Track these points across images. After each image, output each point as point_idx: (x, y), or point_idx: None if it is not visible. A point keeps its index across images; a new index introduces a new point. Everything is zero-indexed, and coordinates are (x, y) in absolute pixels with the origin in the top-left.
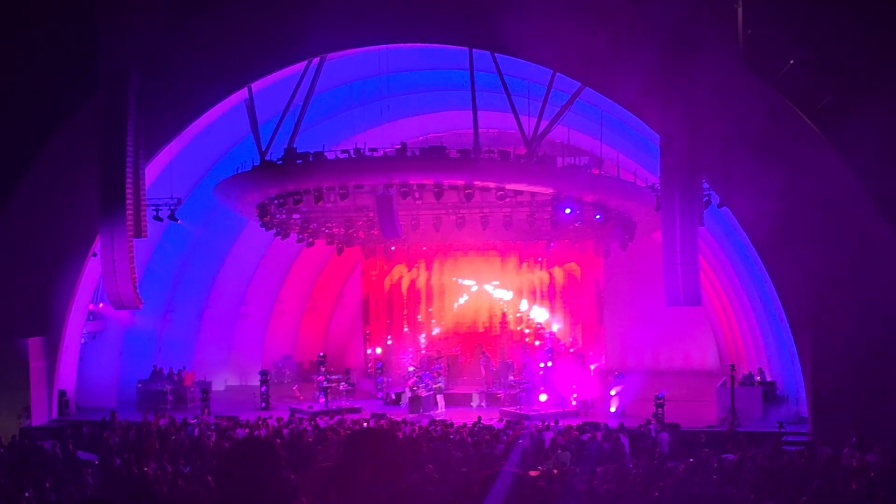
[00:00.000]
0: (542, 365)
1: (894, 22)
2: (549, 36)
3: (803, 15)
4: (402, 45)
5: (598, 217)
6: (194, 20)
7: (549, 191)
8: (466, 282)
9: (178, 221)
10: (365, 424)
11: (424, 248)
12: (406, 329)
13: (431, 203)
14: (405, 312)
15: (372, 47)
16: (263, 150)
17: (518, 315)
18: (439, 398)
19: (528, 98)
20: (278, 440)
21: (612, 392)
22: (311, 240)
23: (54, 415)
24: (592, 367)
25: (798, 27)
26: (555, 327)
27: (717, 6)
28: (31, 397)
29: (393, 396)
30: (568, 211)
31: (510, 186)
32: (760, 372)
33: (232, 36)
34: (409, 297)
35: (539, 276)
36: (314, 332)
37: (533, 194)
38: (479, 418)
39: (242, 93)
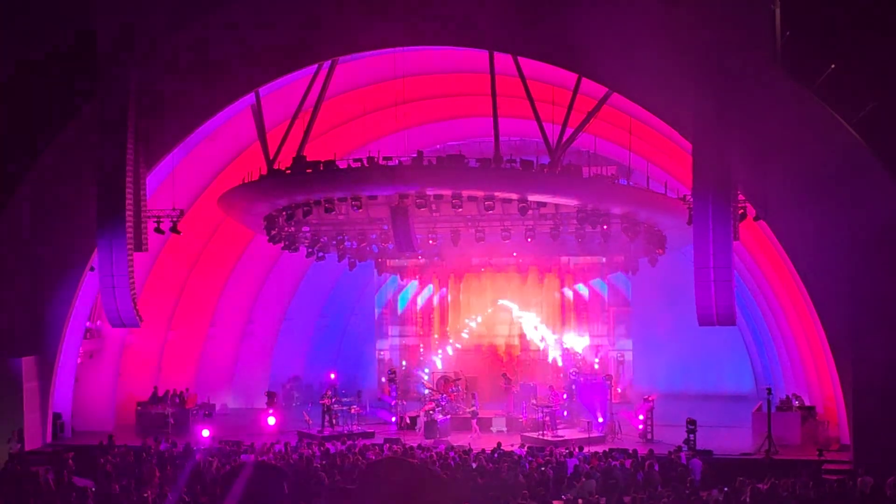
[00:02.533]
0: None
1: None
2: (575, 40)
3: (844, 16)
4: (420, 47)
5: (631, 237)
6: (198, 21)
7: (575, 202)
8: (485, 299)
9: (181, 234)
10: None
11: (441, 262)
12: (422, 349)
13: (449, 215)
14: (421, 332)
15: (386, 50)
16: (271, 158)
17: (540, 335)
18: (473, 423)
19: (553, 104)
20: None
21: (640, 417)
22: (321, 254)
23: (49, 439)
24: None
25: (839, 29)
26: (579, 347)
27: (754, 7)
28: (24, 420)
29: (408, 421)
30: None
31: (533, 198)
32: (798, 397)
33: (238, 37)
34: (426, 315)
35: (563, 294)
36: (325, 351)
37: (557, 206)
38: (499, 444)
39: (249, 97)
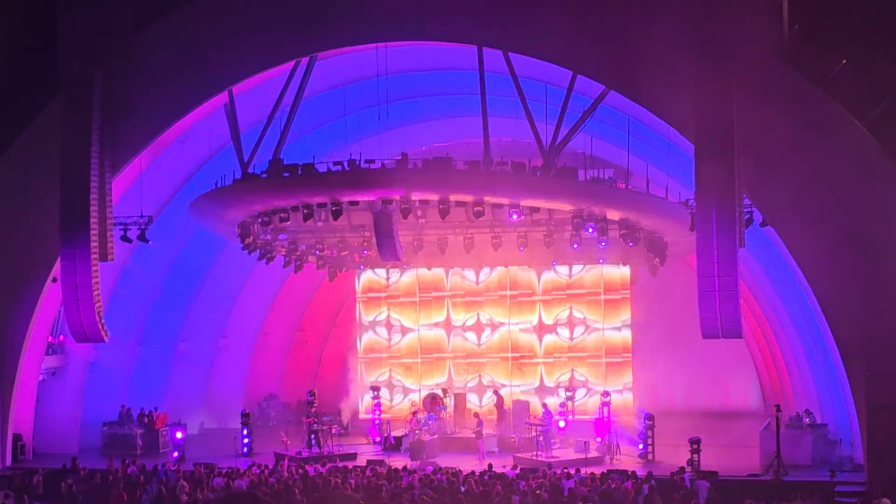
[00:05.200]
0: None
1: None
2: (570, 34)
3: (856, 8)
4: (404, 42)
5: (630, 245)
6: (167, 16)
7: (570, 207)
8: (476, 312)
9: (149, 242)
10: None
11: (427, 273)
12: (406, 364)
13: (436, 222)
14: (406, 345)
15: (369, 45)
16: (246, 161)
17: (535, 349)
18: (480, 444)
19: (546, 103)
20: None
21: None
22: (299, 263)
23: (8, 461)
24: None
25: (851, 22)
26: (576, 363)
27: None
28: None
29: (392, 441)
30: (590, 230)
31: (525, 203)
32: (809, 414)
33: (210, 33)
34: (411, 327)
35: (559, 306)
36: (303, 367)
37: (551, 211)
38: (490, 465)
39: (222, 97)
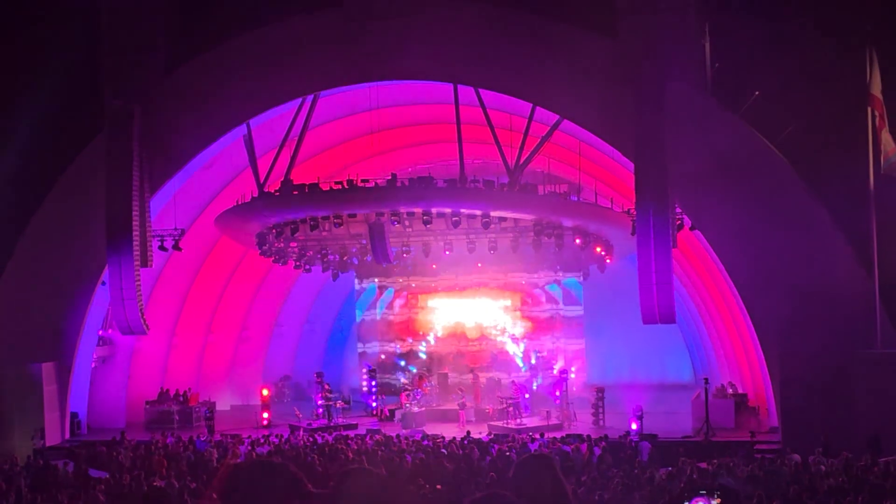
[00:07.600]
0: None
1: (850, 49)
2: (527, 72)
3: (767, 50)
4: (391, 81)
5: (577, 241)
6: (194, 60)
7: (532, 217)
8: (455, 302)
9: (182, 250)
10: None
11: (413, 273)
12: (398, 348)
13: (421, 230)
14: (397, 332)
15: (362, 84)
16: (261, 182)
17: (505, 334)
18: (461, 414)
19: (510, 130)
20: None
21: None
22: (307, 266)
23: (67, 435)
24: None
25: (763, 61)
26: (539, 345)
27: (686, 41)
28: (44, 419)
29: (387, 413)
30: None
31: (495, 213)
32: (732, 385)
33: (230, 75)
34: (401, 318)
35: (524, 298)
36: (312, 352)
37: (516, 221)
38: (469, 432)
39: (241, 128)
